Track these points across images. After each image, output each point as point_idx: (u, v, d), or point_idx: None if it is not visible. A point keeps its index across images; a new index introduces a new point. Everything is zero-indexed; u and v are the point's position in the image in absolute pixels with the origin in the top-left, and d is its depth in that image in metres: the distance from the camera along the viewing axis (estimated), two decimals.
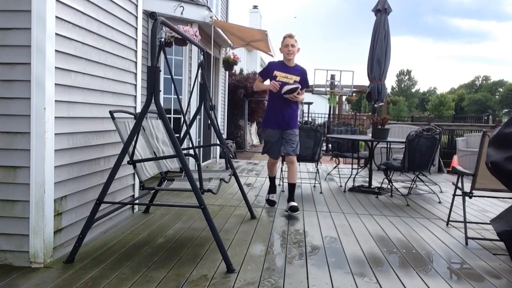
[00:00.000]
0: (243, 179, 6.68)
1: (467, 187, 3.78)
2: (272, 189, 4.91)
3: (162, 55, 3.09)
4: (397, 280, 2.72)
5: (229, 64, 9.86)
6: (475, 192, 3.70)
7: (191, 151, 4.97)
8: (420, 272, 2.89)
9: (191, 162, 6.31)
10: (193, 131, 6.95)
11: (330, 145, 9.75)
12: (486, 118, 16.52)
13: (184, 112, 4.06)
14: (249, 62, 22.43)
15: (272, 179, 4.93)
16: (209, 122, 4.25)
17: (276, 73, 4.40)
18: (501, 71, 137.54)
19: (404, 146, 5.29)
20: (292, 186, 4.50)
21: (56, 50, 2.75)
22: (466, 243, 3.58)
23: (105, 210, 3.28)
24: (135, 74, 4.08)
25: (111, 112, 3.26)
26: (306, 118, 17.36)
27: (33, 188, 2.67)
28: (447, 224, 4.20)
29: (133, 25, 3.99)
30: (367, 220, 4.29)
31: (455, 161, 8.47)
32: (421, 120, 19.68)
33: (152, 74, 2.83)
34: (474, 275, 2.87)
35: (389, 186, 5.87)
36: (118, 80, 3.71)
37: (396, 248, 3.41)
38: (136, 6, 4.02)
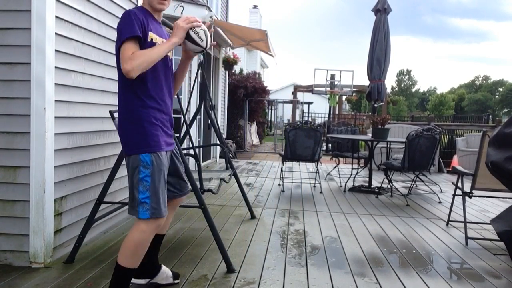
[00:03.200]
0: (243, 179, 6.68)
1: (467, 187, 3.78)
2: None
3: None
4: (397, 280, 2.72)
5: (229, 64, 9.87)
6: (475, 192, 3.70)
7: (191, 151, 4.97)
8: (420, 272, 2.89)
9: (191, 162, 6.31)
10: (193, 131, 6.95)
11: (330, 145, 9.75)
12: (486, 118, 16.50)
13: (184, 112, 4.06)
14: (249, 62, 22.45)
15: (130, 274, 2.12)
16: (209, 122, 4.25)
17: (151, 35, 2.12)
18: (501, 71, 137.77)
19: (404, 146, 5.29)
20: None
21: (56, 50, 2.74)
22: (466, 243, 3.57)
23: (105, 210, 3.28)
24: None
25: (111, 112, 3.26)
26: (306, 118, 17.37)
27: (33, 188, 2.67)
28: (447, 224, 4.20)
29: None
30: (367, 220, 4.29)
31: (455, 161, 8.47)
32: (421, 120, 19.67)
33: None
34: (474, 275, 2.87)
35: (389, 186, 5.87)
36: None
37: (396, 248, 3.40)
38: (136, 6, 4.01)
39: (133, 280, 2.38)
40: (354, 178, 6.62)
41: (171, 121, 2.23)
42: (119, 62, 2.07)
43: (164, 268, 2.49)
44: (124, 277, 2.09)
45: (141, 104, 2.07)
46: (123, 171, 3.76)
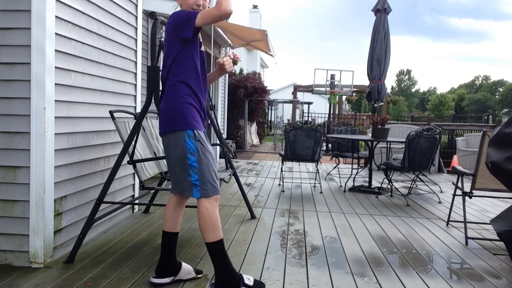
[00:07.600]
0: (243, 179, 6.68)
1: (467, 187, 3.78)
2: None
3: (162, 55, 3.09)
4: (397, 280, 2.72)
5: None
6: (475, 192, 3.70)
7: None
8: (420, 272, 2.89)
9: None
10: None
11: (330, 145, 9.75)
12: (486, 118, 16.52)
13: None
14: (249, 62, 22.47)
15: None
16: (209, 122, 4.25)
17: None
18: (501, 71, 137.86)
19: (404, 146, 5.30)
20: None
21: (56, 50, 2.74)
22: (466, 243, 3.58)
23: (105, 210, 3.28)
24: (135, 73, 4.08)
25: (111, 112, 3.26)
26: (306, 118, 17.37)
27: (33, 188, 2.67)
28: (447, 224, 4.20)
29: (133, 25, 3.98)
30: (367, 220, 4.29)
31: (455, 161, 8.48)
32: (421, 120, 19.68)
33: (152, 74, 2.83)
34: (474, 275, 2.87)
35: (389, 186, 5.87)
36: (118, 80, 3.71)
37: (396, 248, 3.41)
38: (136, 5, 4.02)
39: (158, 280, 2.49)
40: (354, 178, 6.62)
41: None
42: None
43: (185, 265, 2.58)
44: (221, 248, 2.33)
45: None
46: (123, 171, 3.76)
